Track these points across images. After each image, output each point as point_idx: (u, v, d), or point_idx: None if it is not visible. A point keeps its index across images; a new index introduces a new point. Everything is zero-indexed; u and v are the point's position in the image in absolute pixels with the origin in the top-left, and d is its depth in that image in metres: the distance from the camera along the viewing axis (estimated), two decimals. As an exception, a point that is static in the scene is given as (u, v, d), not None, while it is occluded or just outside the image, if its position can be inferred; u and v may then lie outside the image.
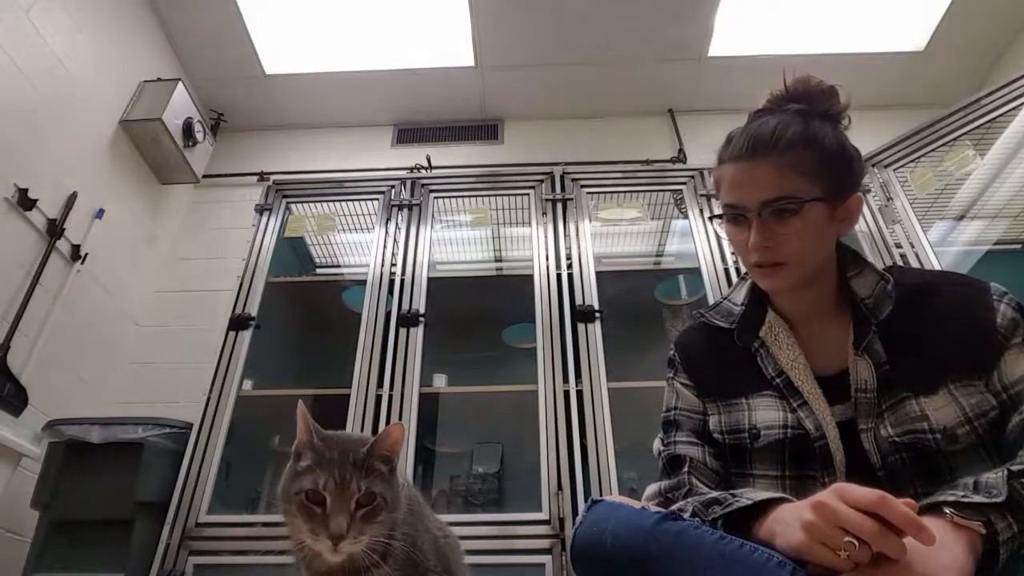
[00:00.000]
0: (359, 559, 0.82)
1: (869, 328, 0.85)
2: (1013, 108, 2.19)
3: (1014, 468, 0.67)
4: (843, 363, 0.87)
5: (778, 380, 0.90)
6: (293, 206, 2.61)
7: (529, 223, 2.47)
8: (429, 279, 2.29)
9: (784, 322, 0.94)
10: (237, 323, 2.20)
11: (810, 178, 0.85)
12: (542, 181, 2.53)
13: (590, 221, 2.43)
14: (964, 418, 0.78)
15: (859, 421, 0.83)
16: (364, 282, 2.30)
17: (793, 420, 0.86)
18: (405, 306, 2.20)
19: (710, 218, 0.99)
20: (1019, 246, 2.51)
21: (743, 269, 1.01)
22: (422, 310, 2.19)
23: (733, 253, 0.98)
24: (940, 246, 2.33)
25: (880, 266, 0.94)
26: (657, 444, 1.01)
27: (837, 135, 0.89)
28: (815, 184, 0.85)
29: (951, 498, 0.65)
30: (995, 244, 2.47)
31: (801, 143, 0.85)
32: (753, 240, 0.86)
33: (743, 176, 0.87)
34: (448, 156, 3.20)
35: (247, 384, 2.15)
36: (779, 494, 0.73)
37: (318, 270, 2.83)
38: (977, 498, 0.64)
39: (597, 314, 2.14)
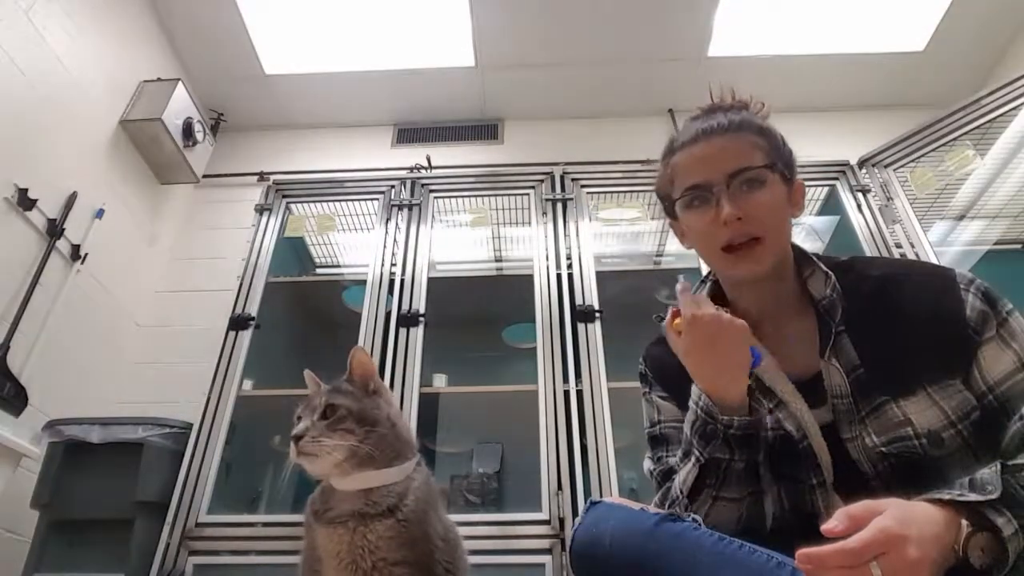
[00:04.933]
0: (358, 501, 0.88)
1: (831, 331, 0.83)
2: (1013, 108, 2.19)
3: (1009, 463, 0.65)
4: (816, 367, 0.84)
5: (750, 382, 0.86)
6: (293, 206, 2.60)
7: (529, 223, 2.47)
8: (429, 279, 2.29)
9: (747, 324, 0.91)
10: (237, 323, 2.20)
11: (766, 157, 0.88)
12: (542, 181, 2.53)
13: (590, 221, 2.43)
14: (947, 421, 0.75)
15: (841, 430, 0.80)
16: (364, 282, 2.30)
17: (772, 422, 0.84)
18: (405, 306, 2.20)
19: (665, 210, 0.98)
20: (1019, 246, 2.51)
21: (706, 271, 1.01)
22: (422, 310, 2.19)
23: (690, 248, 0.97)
24: (940, 246, 2.33)
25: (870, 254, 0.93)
26: (647, 464, 0.99)
27: (774, 129, 0.93)
28: (770, 162, 0.87)
29: (946, 496, 0.63)
30: (995, 244, 2.46)
31: (752, 129, 0.90)
32: (728, 211, 0.83)
33: (705, 152, 0.88)
34: (448, 156, 3.19)
35: (247, 384, 2.15)
36: None
37: (318, 270, 2.82)
38: (972, 496, 0.62)
39: (597, 314, 2.14)
